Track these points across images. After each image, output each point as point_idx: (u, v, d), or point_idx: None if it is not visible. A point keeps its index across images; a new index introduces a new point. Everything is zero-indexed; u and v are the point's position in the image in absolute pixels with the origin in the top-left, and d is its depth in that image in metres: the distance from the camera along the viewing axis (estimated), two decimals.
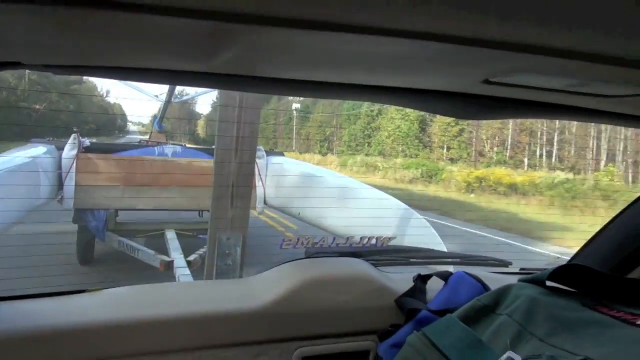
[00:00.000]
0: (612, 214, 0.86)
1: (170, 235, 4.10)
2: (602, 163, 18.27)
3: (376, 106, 21.10)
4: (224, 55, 0.46)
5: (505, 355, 0.50)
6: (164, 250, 3.81)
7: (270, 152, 4.77)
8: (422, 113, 18.45)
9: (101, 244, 4.31)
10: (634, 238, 0.81)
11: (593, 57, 0.40)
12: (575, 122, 17.91)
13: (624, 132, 17.81)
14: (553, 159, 20.66)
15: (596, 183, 13.42)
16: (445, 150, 22.58)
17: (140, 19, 0.35)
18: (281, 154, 5.20)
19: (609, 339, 0.47)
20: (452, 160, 20.99)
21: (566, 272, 0.57)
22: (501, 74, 0.49)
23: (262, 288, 0.84)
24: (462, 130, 21.91)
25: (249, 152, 2.70)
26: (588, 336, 0.49)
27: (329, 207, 3.48)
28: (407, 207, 3.72)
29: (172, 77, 0.56)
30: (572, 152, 20.52)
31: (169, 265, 3.45)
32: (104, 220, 4.15)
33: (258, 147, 4.27)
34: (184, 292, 0.88)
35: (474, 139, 21.99)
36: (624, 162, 17.90)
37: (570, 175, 14.76)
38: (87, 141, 4.10)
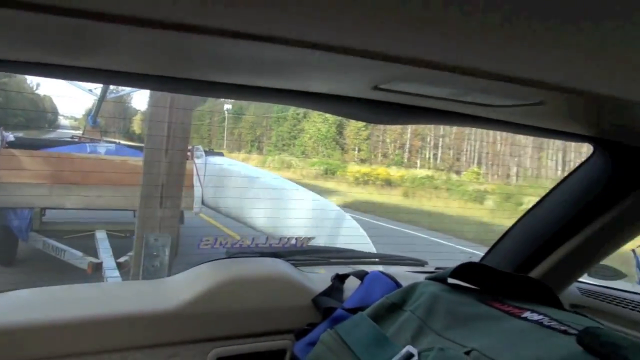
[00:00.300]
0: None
1: (101, 235, 3.57)
2: (474, 164, 20.49)
3: (302, 109, 21.12)
4: (110, 53, 0.40)
5: (404, 349, 0.49)
6: (94, 252, 3.31)
7: (209, 152, 4.33)
8: (340, 117, 18.98)
9: (28, 244, 3.66)
10: (535, 239, 0.79)
11: (465, 70, 0.37)
12: (455, 129, 19.87)
13: (487, 139, 20.16)
14: (438, 161, 22.62)
15: (447, 179, 15.43)
16: (356, 151, 23.45)
17: (10, 14, 0.29)
18: (220, 154, 4.74)
19: (496, 331, 0.47)
20: (362, 161, 21.88)
21: (466, 271, 0.56)
22: (386, 81, 0.46)
23: (179, 288, 0.73)
24: (371, 134, 22.90)
25: (180, 152, 2.47)
26: (478, 329, 0.48)
27: (265, 208, 3.31)
28: (339, 209, 3.57)
29: (60, 72, 0.47)
30: (452, 155, 22.67)
31: (98, 267, 3.00)
32: (28, 219, 3.53)
33: (197, 147, 3.93)
34: (95, 294, 0.75)
35: (380, 142, 23.16)
36: (486, 164, 20.28)
37: (430, 173, 16.56)
38: (10, 136, 3.47)
